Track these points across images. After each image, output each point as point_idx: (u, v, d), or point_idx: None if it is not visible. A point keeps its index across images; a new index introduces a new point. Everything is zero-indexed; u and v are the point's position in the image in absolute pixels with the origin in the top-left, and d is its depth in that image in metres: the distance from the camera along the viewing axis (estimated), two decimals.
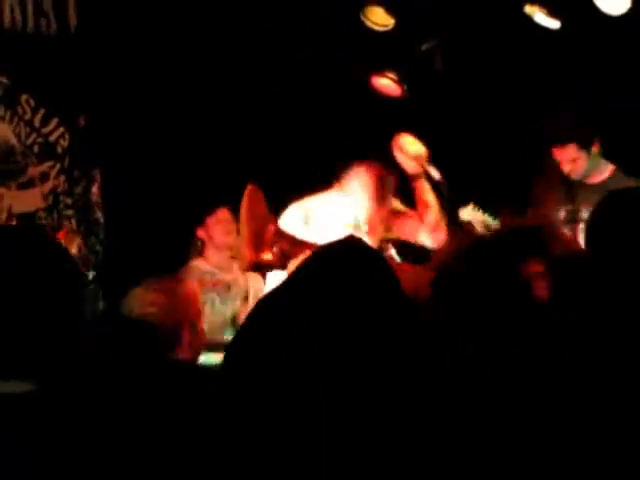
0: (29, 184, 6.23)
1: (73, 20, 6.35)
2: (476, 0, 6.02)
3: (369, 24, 6.06)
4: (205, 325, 5.24)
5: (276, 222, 4.86)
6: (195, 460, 1.85)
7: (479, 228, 5.17)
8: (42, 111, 6.29)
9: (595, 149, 5.53)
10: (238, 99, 6.36)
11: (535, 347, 1.94)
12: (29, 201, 6.27)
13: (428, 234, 4.94)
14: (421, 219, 4.96)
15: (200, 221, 5.80)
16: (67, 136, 6.41)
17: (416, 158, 4.96)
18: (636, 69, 5.81)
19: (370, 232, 4.98)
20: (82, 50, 6.31)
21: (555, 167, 5.72)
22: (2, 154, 6.22)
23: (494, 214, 5.35)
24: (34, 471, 1.73)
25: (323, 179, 5.23)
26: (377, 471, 1.49)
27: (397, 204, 5.15)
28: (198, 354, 3.88)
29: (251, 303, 5.30)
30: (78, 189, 6.47)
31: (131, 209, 6.21)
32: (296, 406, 1.51)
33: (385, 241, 5.21)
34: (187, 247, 5.96)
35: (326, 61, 6.29)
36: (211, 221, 5.67)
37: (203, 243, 5.78)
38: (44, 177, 6.36)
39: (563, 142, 5.54)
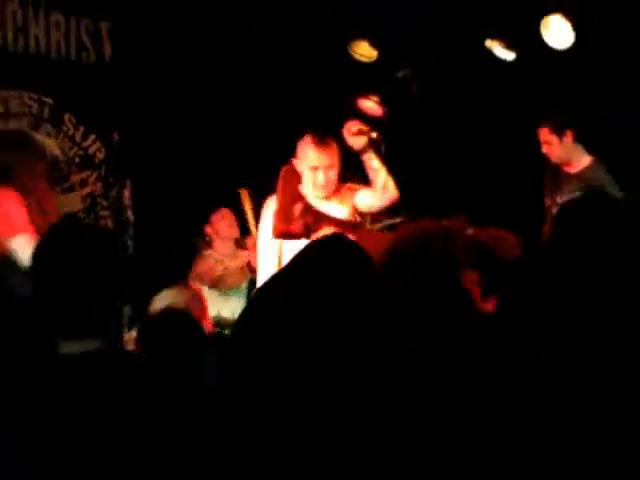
0: (71, 189, 6.80)
1: (107, 52, 6.99)
2: (446, 36, 6.44)
3: (356, 56, 6.66)
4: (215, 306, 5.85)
5: (304, 199, 5.08)
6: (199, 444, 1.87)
7: None
8: (82, 128, 6.91)
9: (568, 138, 6.00)
10: (241, 118, 6.77)
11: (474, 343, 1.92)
12: (71, 203, 6.82)
13: (379, 195, 5.13)
14: (372, 186, 5.14)
15: (206, 220, 6.58)
16: (103, 149, 7.01)
17: (359, 132, 5.14)
18: (577, 90, 6.24)
19: (332, 196, 5.29)
20: (115, 76, 6.96)
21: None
22: (49, 164, 6.05)
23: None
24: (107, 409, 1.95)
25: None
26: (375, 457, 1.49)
27: (352, 185, 5.34)
28: None
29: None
30: (112, 193, 6.99)
31: (156, 210, 6.74)
32: (293, 379, 1.52)
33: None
34: (197, 241, 6.61)
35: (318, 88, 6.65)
36: (216, 218, 6.43)
37: (210, 237, 6.52)
38: (83, 183, 6.95)
39: (540, 125, 6.08)
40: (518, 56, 6.47)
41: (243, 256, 6.19)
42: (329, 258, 1.61)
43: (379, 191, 5.02)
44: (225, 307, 6.15)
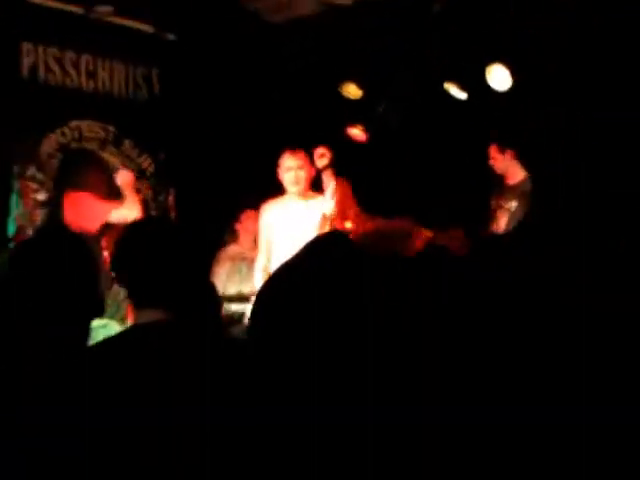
0: None
1: (157, 91, 7.77)
2: (415, 80, 7.09)
3: (345, 95, 7.37)
4: (236, 285, 6.67)
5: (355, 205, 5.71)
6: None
7: None
8: (137, 149, 7.60)
9: (508, 156, 6.50)
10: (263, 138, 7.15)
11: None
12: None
13: (328, 200, 5.88)
14: (324, 194, 5.89)
15: (235, 219, 7.10)
16: (152, 165, 7.71)
17: (322, 155, 5.93)
18: (515, 120, 6.68)
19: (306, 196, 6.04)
20: (162, 110, 7.70)
21: None
22: (111, 176, 6.29)
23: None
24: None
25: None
26: None
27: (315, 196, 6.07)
28: None
29: None
30: (160, 199, 7.73)
31: (193, 212, 7.21)
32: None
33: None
34: (226, 235, 7.14)
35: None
36: (244, 217, 6.99)
37: (238, 232, 7.04)
38: (138, 191, 6.76)
39: (489, 144, 6.51)
40: (469, 95, 7.08)
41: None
42: (330, 246, 1.73)
43: (328, 198, 5.88)
44: (244, 284, 6.68)
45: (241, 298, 6.41)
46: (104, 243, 5.16)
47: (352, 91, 7.46)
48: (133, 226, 2.44)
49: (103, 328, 3.56)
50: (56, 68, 7.10)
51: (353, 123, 7.27)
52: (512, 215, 6.47)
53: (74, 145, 7.05)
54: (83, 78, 7.27)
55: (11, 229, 6.51)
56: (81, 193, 5.34)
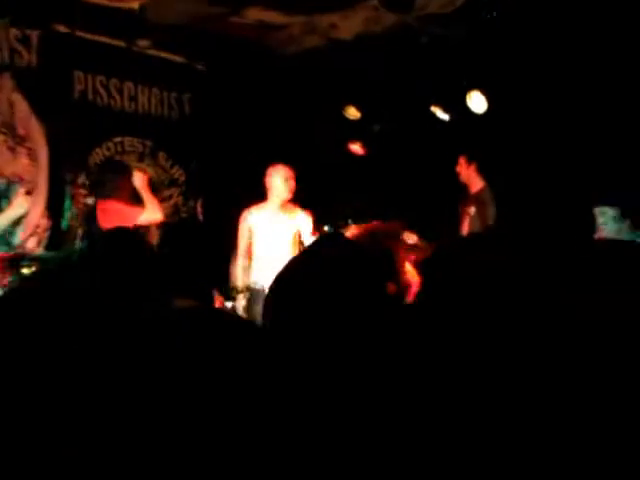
0: (162, 200, 7.33)
1: (187, 111, 8.09)
2: (406, 103, 7.49)
3: (346, 116, 7.87)
4: None
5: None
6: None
7: None
8: (170, 161, 7.87)
9: (472, 167, 6.79)
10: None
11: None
12: (163, 210, 6.74)
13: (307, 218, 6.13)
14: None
15: None
16: (183, 175, 7.96)
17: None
18: (488, 137, 7.00)
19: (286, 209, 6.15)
20: (192, 128, 7.98)
21: None
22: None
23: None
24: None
25: None
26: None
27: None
28: None
29: None
30: (189, 204, 7.94)
31: (218, 216, 7.37)
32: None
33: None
34: None
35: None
36: None
37: None
38: (170, 197, 7.81)
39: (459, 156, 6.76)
40: (451, 117, 7.46)
41: None
42: (331, 246, 1.70)
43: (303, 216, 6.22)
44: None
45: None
46: None
47: (352, 113, 7.82)
48: None
49: None
50: (103, 92, 7.42)
51: (353, 140, 7.83)
52: (471, 219, 6.75)
53: (117, 157, 7.34)
54: (125, 101, 7.58)
55: (65, 227, 6.86)
56: (109, 200, 5.56)
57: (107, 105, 7.50)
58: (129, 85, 7.65)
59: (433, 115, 7.54)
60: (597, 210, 5.39)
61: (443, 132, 7.48)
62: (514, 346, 1.41)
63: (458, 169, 6.85)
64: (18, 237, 6.78)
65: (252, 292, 6.18)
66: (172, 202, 7.84)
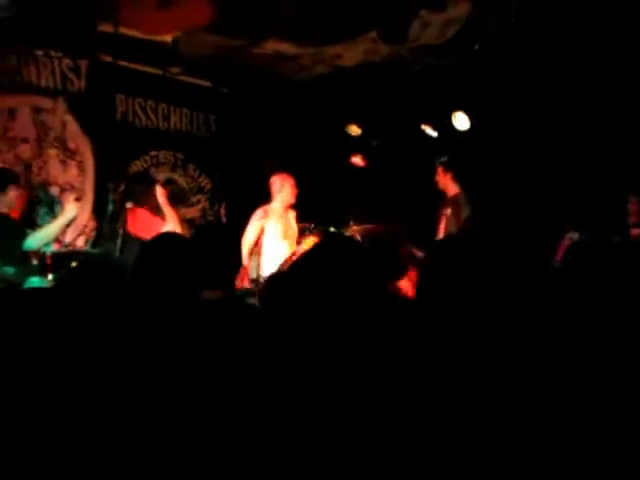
0: (190, 205, 8.13)
1: (213, 129, 8.53)
2: (400, 121, 7.88)
3: (349, 132, 8.29)
4: None
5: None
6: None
7: None
8: (198, 171, 8.32)
9: (448, 175, 7.06)
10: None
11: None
12: (191, 214, 8.08)
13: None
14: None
15: None
16: (209, 183, 8.39)
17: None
18: (471, 151, 7.29)
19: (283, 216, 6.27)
20: (217, 143, 8.40)
21: None
22: (180, 192, 7.92)
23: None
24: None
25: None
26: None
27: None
28: None
29: None
30: (215, 208, 8.38)
31: (239, 219, 7.23)
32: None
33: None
34: None
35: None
36: None
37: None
38: (198, 202, 8.27)
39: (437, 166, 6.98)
40: (439, 133, 7.86)
41: None
42: (334, 246, 1.74)
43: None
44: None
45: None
46: None
47: (354, 130, 8.27)
48: None
49: None
50: (141, 113, 7.89)
51: (355, 153, 8.30)
52: (448, 219, 6.98)
53: (152, 169, 7.78)
54: (160, 120, 8.06)
55: (107, 228, 6.80)
56: (140, 208, 5.84)
57: (144, 124, 7.89)
58: (163, 106, 8.08)
59: (423, 132, 7.97)
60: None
61: (431, 146, 7.89)
62: (511, 342, 1.38)
63: (437, 177, 7.14)
64: (69, 236, 7.21)
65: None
66: (200, 206, 8.34)
